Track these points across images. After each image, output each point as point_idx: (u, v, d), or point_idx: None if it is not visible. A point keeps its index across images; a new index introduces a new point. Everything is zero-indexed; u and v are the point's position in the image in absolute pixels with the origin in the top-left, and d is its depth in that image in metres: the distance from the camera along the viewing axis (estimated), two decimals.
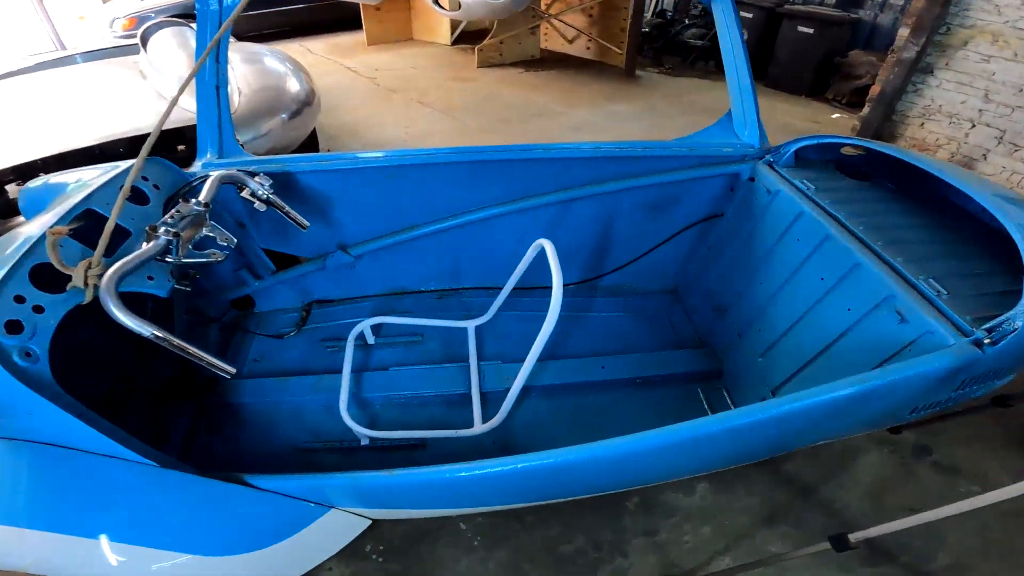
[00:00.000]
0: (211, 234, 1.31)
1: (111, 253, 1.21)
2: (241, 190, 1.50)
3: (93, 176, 1.42)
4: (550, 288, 1.24)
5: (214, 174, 1.41)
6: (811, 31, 5.40)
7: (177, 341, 1.01)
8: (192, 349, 1.03)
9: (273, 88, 3.16)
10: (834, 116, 5.23)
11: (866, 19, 5.63)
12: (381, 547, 1.69)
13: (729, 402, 1.80)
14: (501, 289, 1.77)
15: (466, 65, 6.36)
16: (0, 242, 1.18)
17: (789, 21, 5.52)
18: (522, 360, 1.31)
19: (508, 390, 1.43)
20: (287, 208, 1.53)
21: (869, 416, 1.26)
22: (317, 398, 1.75)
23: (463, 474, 1.05)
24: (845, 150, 1.82)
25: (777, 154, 1.79)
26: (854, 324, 1.35)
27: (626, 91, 5.71)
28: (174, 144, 2.73)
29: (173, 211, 1.23)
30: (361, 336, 1.93)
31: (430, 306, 2.13)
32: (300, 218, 1.55)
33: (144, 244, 1.14)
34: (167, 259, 1.18)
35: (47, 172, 1.90)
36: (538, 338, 1.26)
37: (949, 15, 3.87)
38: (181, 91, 1.23)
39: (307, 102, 3.22)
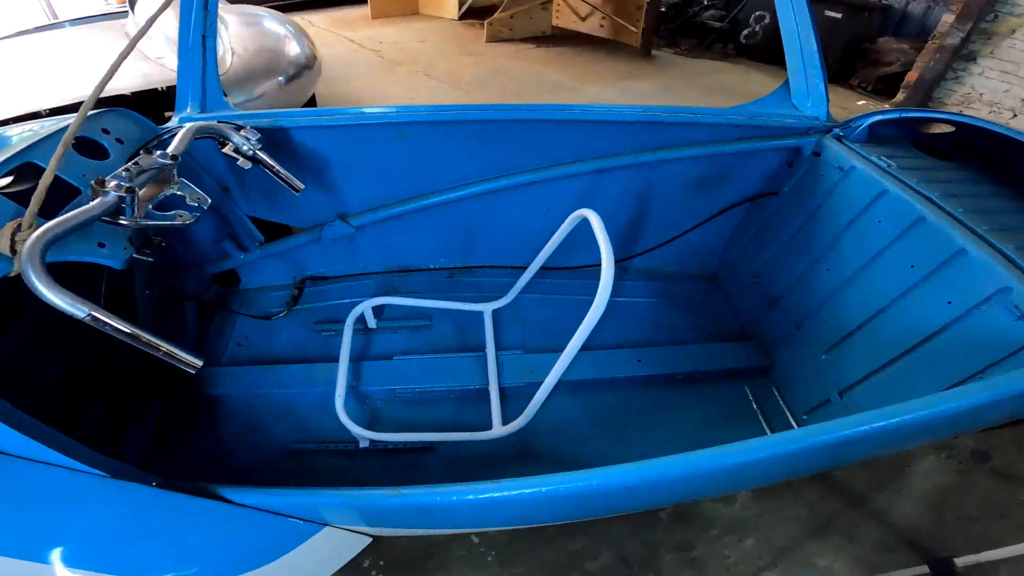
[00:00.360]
0: (180, 193, 1.10)
1: (53, 215, 0.99)
2: (223, 146, 1.30)
3: (41, 128, 1.20)
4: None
5: (189, 125, 1.20)
6: (839, 16, 5.21)
7: (125, 326, 0.79)
8: (144, 335, 0.80)
9: (270, 50, 2.99)
10: (860, 103, 5.08)
11: (897, 6, 5.45)
12: (382, 562, 1.51)
13: (781, 402, 1.61)
14: (519, 268, 1.57)
15: (474, 40, 6.19)
16: None
17: (817, 4, 5.29)
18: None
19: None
20: (278, 167, 1.33)
21: (973, 424, 1.06)
22: (310, 390, 1.55)
23: (486, 496, 0.85)
24: (923, 127, 1.62)
25: (848, 128, 1.58)
26: (956, 319, 1.16)
27: (641, 70, 5.52)
28: (160, 108, 2.50)
29: (130, 163, 1.01)
30: (361, 319, 1.74)
31: (440, 286, 1.94)
32: (293, 179, 1.35)
33: (90, 202, 0.92)
34: (121, 221, 0.95)
35: None
36: (581, 327, 1.06)
37: (998, 2, 3.73)
38: (149, 24, 1.03)
39: (306, 66, 3.04)
